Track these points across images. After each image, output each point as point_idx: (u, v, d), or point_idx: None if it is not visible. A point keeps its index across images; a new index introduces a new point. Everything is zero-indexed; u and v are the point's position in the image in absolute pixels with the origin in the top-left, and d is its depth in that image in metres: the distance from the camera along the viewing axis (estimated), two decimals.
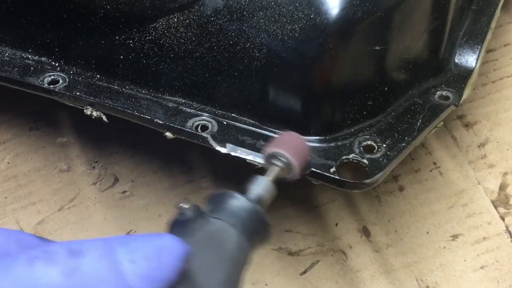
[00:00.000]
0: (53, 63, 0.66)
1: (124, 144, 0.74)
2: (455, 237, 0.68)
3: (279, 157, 0.51)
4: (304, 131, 0.59)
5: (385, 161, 0.57)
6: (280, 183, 0.50)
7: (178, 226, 0.47)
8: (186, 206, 0.46)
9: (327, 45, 0.57)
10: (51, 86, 0.63)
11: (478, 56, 0.67)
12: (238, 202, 0.47)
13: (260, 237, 0.48)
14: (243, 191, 0.48)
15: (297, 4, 0.56)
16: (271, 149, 0.51)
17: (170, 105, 0.62)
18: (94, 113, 0.62)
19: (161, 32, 0.60)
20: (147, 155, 0.74)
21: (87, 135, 0.76)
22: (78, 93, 0.63)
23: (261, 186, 0.49)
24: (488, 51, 0.79)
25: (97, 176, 0.73)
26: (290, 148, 0.51)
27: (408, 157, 0.70)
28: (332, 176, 0.56)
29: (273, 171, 0.50)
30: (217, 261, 0.45)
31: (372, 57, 0.59)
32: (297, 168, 0.51)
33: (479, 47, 0.67)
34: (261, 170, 0.52)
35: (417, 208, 0.70)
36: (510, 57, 0.81)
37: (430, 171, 0.72)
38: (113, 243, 0.37)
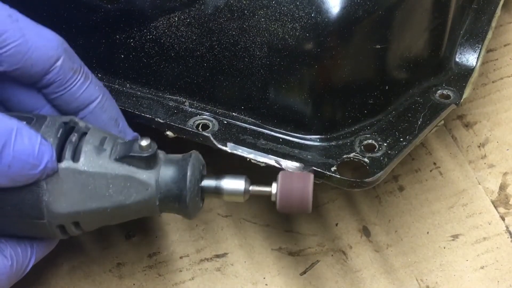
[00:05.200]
0: None
1: None
2: (455, 237, 0.68)
3: (276, 183, 0.53)
4: (305, 130, 0.60)
5: (385, 160, 0.57)
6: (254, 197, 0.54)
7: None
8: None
9: (328, 43, 0.57)
10: None
11: (479, 55, 0.67)
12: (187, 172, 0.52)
13: (175, 207, 0.53)
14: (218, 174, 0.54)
15: (298, 3, 0.57)
16: (282, 173, 0.53)
17: (171, 104, 0.62)
18: None
19: (161, 31, 0.60)
20: None
21: None
22: None
23: (231, 183, 0.53)
24: (488, 50, 0.79)
25: None
26: (289, 187, 0.52)
27: (408, 157, 0.70)
28: (333, 175, 0.56)
29: (259, 187, 0.54)
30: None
31: (373, 55, 0.59)
32: (277, 204, 0.53)
33: (480, 46, 0.67)
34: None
35: (417, 208, 0.70)
36: (510, 57, 0.81)
37: (430, 171, 0.72)
38: None
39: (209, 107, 0.62)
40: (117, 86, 0.64)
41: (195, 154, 0.53)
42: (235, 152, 0.58)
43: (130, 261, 0.66)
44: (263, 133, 0.60)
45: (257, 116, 0.61)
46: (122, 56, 0.63)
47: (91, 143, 0.52)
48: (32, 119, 0.52)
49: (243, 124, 0.61)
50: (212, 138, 0.58)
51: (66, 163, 0.51)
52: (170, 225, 0.68)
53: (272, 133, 0.60)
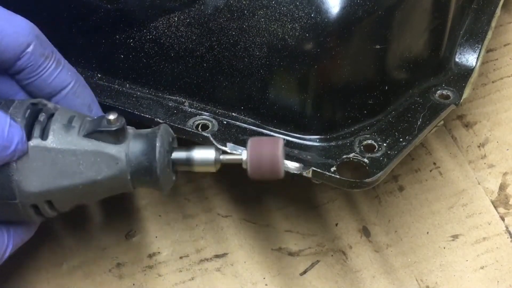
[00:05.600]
0: None
1: None
2: (455, 237, 0.68)
3: (246, 149, 0.52)
4: (305, 130, 0.60)
5: (385, 160, 0.57)
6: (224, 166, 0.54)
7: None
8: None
9: (328, 44, 0.57)
10: None
11: (479, 55, 0.67)
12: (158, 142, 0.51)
13: (147, 180, 0.52)
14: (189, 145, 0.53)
15: (297, 3, 0.57)
16: (251, 139, 0.52)
17: (170, 104, 0.62)
18: None
19: (161, 31, 0.60)
20: None
21: None
22: None
23: (202, 153, 0.53)
24: (488, 50, 0.79)
25: None
26: (259, 151, 0.51)
27: (408, 157, 0.70)
28: (333, 175, 0.56)
29: (230, 155, 0.53)
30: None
31: (372, 56, 0.59)
32: (248, 170, 0.52)
33: (480, 46, 0.67)
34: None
35: (417, 208, 0.70)
36: (510, 57, 0.81)
37: (430, 171, 0.72)
38: None
39: (208, 107, 0.62)
40: (116, 86, 0.64)
41: (163, 126, 0.53)
42: (234, 152, 0.58)
43: (130, 261, 0.66)
44: (262, 133, 0.60)
45: (257, 116, 0.61)
46: (122, 56, 0.63)
47: (59, 122, 0.52)
48: (0, 103, 0.52)
49: (242, 124, 0.61)
50: (211, 138, 0.58)
51: (35, 141, 0.51)
52: (170, 225, 0.69)
53: (272, 133, 0.60)
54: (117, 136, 0.51)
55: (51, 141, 0.51)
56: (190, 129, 0.59)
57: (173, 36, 0.60)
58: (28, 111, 0.52)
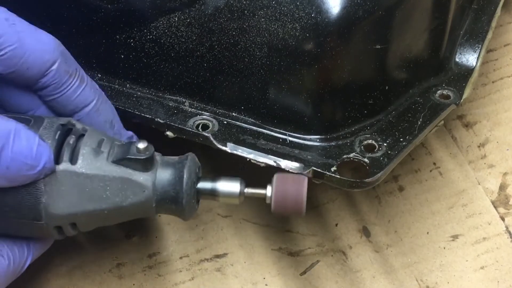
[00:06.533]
0: None
1: None
2: (455, 237, 0.68)
3: (270, 185, 0.54)
4: (305, 130, 0.60)
5: (385, 160, 0.57)
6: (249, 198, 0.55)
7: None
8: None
9: (328, 44, 0.57)
10: None
11: (479, 55, 0.67)
12: (186, 173, 0.53)
13: (171, 209, 0.53)
14: (214, 176, 0.55)
15: (298, 3, 0.57)
16: (277, 175, 0.54)
17: (170, 104, 0.62)
18: None
19: (161, 31, 0.60)
20: None
21: None
22: None
23: (227, 186, 0.54)
24: (488, 51, 0.79)
25: None
26: (284, 189, 0.53)
27: (408, 157, 0.70)
28: (333, 175, 0.56)
29: (254, 189, 0.55)
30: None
31: (373, 56, 0.59)
32: (272, 207, 0.54)
33: (480, 46, 0.67)
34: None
35: (417, 208, 0.70)
36: (510, 57, 0.81)
37: (430, 171, 0.72)
38: None
39: (209, 107, 0.62)
40: (117, 86, 0.64)
41: (191, 157, 0.54)
42: (235, 152, 0.58)
43: (130, 261, 0.66)
44: (263, 133, 0.60)
45: (257, 116, 0.61)
46: (122, 56, 0.63)
47: (88, 145, 0.52)
48: (30, 121, 0.52)
49: (243, 124, 0.61)
50: (212, 138, 0.58)
51: (64, 165, 0.51)
52: (170, 225, 0.68)
53: (272, 133, 0.60)
54: (145, 165, 0.52)
55: (80, 166, 0.51)
56: (190, 129, 0.59)
57: (174, 36, 0.60)
58: (58, 132, 0.52)
